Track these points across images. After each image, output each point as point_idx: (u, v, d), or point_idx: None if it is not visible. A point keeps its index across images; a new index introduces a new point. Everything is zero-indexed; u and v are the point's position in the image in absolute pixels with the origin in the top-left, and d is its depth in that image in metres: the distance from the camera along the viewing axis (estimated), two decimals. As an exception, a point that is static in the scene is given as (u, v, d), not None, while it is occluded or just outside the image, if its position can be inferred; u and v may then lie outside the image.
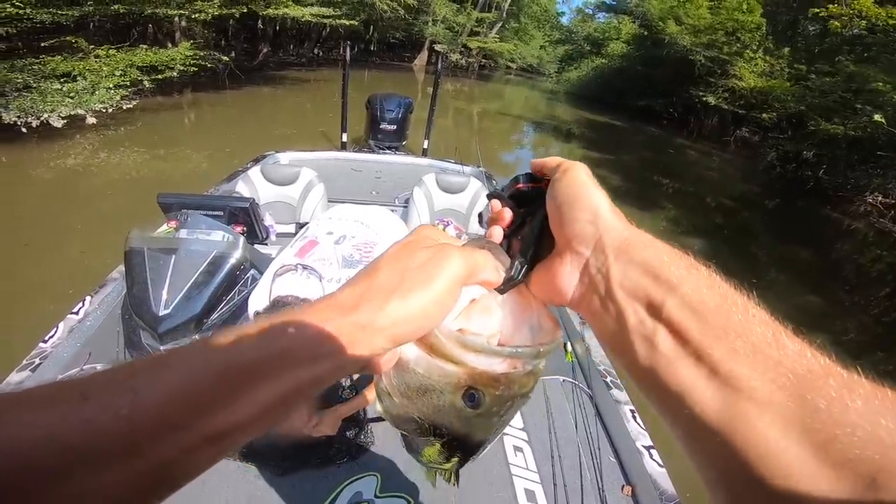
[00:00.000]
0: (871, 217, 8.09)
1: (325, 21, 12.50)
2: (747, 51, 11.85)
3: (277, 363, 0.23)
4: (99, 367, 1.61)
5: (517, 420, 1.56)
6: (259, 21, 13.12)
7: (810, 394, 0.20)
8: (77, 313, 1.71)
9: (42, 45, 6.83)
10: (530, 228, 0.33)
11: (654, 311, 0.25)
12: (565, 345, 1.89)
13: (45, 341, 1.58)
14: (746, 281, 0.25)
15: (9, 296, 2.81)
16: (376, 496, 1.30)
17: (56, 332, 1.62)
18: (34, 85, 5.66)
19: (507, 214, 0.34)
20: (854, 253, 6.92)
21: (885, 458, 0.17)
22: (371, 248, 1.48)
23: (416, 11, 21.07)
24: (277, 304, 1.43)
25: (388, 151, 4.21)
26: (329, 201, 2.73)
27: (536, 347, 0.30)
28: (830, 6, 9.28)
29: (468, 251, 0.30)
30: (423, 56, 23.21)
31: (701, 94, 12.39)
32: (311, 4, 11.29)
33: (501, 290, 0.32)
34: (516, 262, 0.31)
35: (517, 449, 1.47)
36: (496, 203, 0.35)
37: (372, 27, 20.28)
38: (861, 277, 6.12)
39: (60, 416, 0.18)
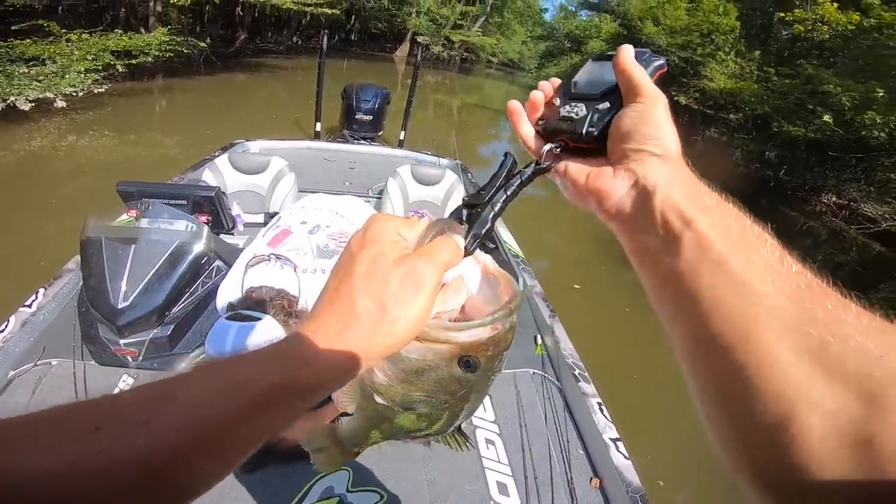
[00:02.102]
0: (824, 217, 8.40)
1: (307, 9, 12.14)
2: (720, 52, 12.17)
3: (281, 396, 0.25)
4: (54, 362, 1.52)
5: (489, 413, 1.57)
6: (238, 7, 12.62)
7: (810, 303, 0.23)
8: (30, 306, 1.61)
9: (13, 28, 6.50)
10: (496, 206, 0.36)
11: (686, 224, 0.28)
12: (535, 338, 1.93)
13: None
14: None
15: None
16: (348, 490, 1.28)
17: (7, 325, 1.52)
18: (0, 69, 5.36)
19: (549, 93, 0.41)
20: (807, 251, 7.24)
21: (872, 368, 0.20)
22: (347, 238, 1.46)
23: (399, 2, 20.69)
24: (251, 296, 1.38)
25: (362, 142, 4.13)
26: (300, 191, 2.66)
27: (508, 307, 0.34)
28: (796, 10, 9.59)
29: (433, 255, 0.31)
30: (404, 47, 22.83)
31: (673, 93, 12.70)
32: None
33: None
34: (470, 237, 0.35)
35: (489, 442, 1.48)
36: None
37: (354, 17, 19.81)
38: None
39: (77, 446, 0.19)
